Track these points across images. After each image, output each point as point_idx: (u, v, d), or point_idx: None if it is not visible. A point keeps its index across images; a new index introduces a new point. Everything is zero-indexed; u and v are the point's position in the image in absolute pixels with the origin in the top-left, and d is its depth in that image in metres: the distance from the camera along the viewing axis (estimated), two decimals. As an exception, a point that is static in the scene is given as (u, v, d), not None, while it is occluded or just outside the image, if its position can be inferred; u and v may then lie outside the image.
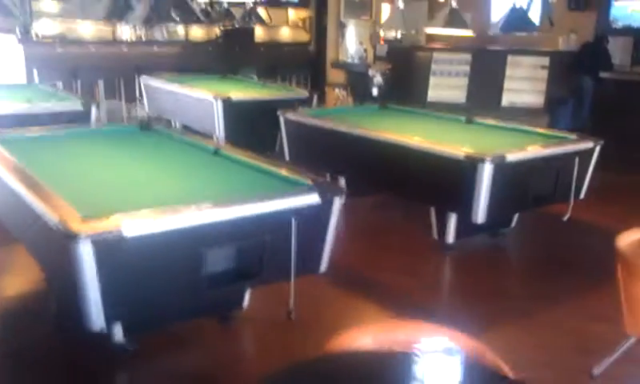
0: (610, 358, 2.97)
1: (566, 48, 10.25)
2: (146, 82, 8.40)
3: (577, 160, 4.52)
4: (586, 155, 4.65)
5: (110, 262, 2.48)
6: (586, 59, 9.68)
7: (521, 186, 4.32)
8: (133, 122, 6.69)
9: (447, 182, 4.34)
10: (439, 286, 4.43)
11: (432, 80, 11.03)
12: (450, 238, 4.57)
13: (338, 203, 3.14)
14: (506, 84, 10.49)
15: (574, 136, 4.79)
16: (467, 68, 10.77)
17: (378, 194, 5.50)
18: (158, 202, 2.82)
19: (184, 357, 3.27)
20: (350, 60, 9.32)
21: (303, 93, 7.47)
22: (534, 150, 4.28)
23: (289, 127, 5.67)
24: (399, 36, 12.09)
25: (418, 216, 4.91)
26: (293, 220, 2.96)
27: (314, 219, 3.11)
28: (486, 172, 4.00)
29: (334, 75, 9.77)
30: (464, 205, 4.20)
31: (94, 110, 5.70)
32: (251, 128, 6.69)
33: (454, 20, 6.92)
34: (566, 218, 4.69)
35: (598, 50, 9.66)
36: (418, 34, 10.46)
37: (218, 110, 6.72)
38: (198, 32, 11.54)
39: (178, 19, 11.38)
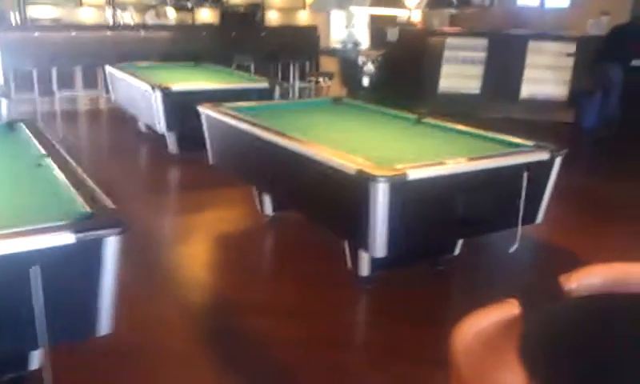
0: None
1: (595, 32, 8.91)
2: (109, 70, 7.73)
3: (525, 176, 3.49)
4: (539, 169, 3.61)
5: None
6: (616, 45, 8.34)
7: (439, 210, 3.33)
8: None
9: (339, 202, 3.42)
10: (333, 337, 3.41)
11: (444, 68, 9.92)
12: (364, 269, 3.61)
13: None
14: (526, 73, 9.28)
15: (528, 145, 3.73)
16: (483, 55, 9.60)
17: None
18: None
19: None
20: (340, 46, 8.38)
21: (262, 83, 6.60)
22: (454, 165, 3.26)
23: (210, 125, 4.83)
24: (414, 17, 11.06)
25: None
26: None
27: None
28: (381, 193, 3.04)
29: (327, 63, 8.85)
30: (359, 233, 3.26)
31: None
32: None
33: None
34: (512, 250, 3.66)
35: (630, 35, 8.30)
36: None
37: (157, 100, 5.97)
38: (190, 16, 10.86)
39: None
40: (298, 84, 10.24)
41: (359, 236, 3.27)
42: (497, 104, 9.56)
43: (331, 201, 3.48)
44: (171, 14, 10.59)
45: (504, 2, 10.50)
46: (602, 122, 8.54)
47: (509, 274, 3.93)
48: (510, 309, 1.78)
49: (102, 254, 2.32)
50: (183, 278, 3.89)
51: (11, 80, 8.79)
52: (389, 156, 3.60)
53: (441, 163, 3.24)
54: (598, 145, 8.23)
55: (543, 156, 3.56)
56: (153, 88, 5.96)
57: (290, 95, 10.58)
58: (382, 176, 3.03)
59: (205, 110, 4.79)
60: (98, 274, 2.35)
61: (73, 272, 2.31)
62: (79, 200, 2.52)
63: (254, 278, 3.86)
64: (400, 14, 7.01)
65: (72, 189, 2.69)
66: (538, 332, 1.67)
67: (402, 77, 9.88)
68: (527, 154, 3.55)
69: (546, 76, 9.15)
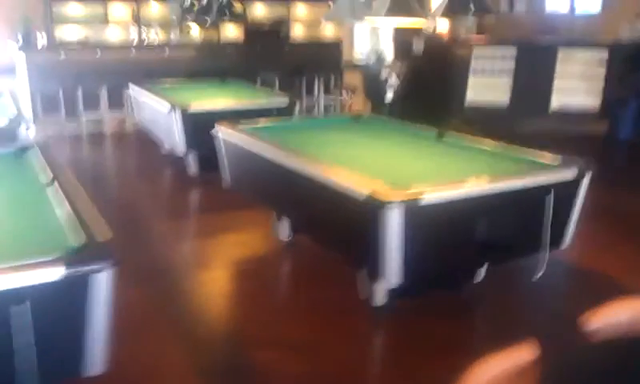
0: None
1: (630, 37, 8.58)
2: (132, 90, 7.72)
3: (551, 197, 3.27)
4: (566, 189, 3.39)
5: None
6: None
7: (457, 235, 3.14)
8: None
9: (349, 228, 3.25)
10: (343, 372, 3.21)
11: (471, 80, 9.68)
12: (379, 298, 3.43)
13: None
14: (557, 83, 8.97)
15: (553, 163, 3.52)
16: (512, 64, 9.33)
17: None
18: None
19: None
20: (364, 59, 8.22)
21: (282, 99, 6.49)
22: (472, 187, 3.07)
23: (227, 146, 4.72)
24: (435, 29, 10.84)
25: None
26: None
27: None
28: (393, 219, 2.88)
29: (350, 78, 8.70)
30: (371, 261, 3.10)
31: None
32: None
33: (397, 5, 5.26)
34: (536, 278, 3.44)
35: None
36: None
37: (177, 120, 5.91)
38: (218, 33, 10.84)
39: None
40: (322, 99, 10.15)
41: (371, 264, 3.11)
42: (526, 116, 9.28)
43: (342, 226, 3.33)
44: (195, 31, 10.59)
45: (533, 9, 10.22)
46: (637, 133, 8.20)
47: (533, 304, 3.71)
48: (527, 353, 1.60)
49: (90, 290, 2.20)
50: (192, 307, 3.77)
51: (38, 102, 8.90)
52: (405, 176, 3.44)
53: (458, 185, 3.06)
54: (634, 156, 7.89)
55: (570, 175, 3.35)
56: (172, 107, 5.90)
57: (316, 110, 10.51)
58: (393, 201, 2.86)
59: (220, 130, 4.69)
60: (86, 311, 2.23)
61: (60, 309, 2.21)
62: (72, 231, 2.42)
63: (265, 308, 3.70)
64: (418, 23, 6.81)
65: (68, 219, 2.59)
66: (557, 379, 1.51)
67: (428, 90, 9.67)
68: (552, 173, 3.34)
69: (577, 85, 8.84)
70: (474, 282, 3.74)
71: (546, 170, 3.35)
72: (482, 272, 3.73)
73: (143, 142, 7.86)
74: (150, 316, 3.52)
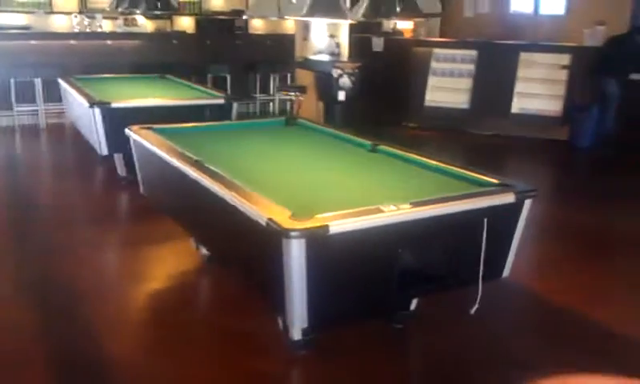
0: None
1: (592, 43, 8.25)
2: (62, 83, 7.12)
3: (485, 223, 2.84)
4: (504, 214, 2.96)
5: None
6: (614, 57, 7.70)
7: (376, 268, 2.69)
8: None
9: (252, 257, 2.78)
10: None
11: (431, 81, 9.29)
12: (296, 333, 2.96)
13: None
14: (518, 86, 8.63)
15: (492, 183, 3.08)
16: (472, 67, 8.96)
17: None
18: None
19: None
20: (316, 57, 7.74)
21: (218, 99, 5.97)
22: (391, 214, 2.61)
23: (138, 149, 4.21)
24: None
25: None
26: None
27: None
28: (294, 250, 2.41)
29: (302, 76, 8.21)
30: (275, 298, 2.63)
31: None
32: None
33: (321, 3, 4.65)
34: (473, 311, 3.01)
35: (628, 46, 7.66)
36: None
37: (96, 118, 5.36)
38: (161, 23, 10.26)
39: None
40: (277, 97, 9.66)
41: (275, 301, 2.64)
42: (486, 119, 8.93)
43: (245, 254, 2.85)
44: (142, 22, 9.99)
45: (497, 9, 9.86)
46: (598, 141, 7.89)
47: (470, 337, 3.28)
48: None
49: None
50: (85, 328, 3.25)
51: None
52: (323, 196, 3.00)
53: (375, 212, 2.59)
54: (594, 165, 7.58)
55: (508, 199, 2.91)
56: (91, 104, 5.35)
57: (260, 110, 9.98)
58: (295, 230, 2.39)
59: (131, 133, 4.17)
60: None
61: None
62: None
63: (169, 340, 3.20)
64: (338, 21, 6.38)
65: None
66: None
67: (385, 90, 9.27)
68: (488, 196, 2.89)
69: (538, 89, 8.49)
70: (408, 310, 3.31)
71: (480, 195, 2.90)
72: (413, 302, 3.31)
73: (79, 137, 7.28)
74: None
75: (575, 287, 3.89)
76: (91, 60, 8.86)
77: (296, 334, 2.93)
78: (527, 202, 2.98)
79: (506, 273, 3.12)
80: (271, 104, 10.33)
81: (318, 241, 2.43)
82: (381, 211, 2.59)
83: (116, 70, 8.41)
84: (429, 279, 2.94)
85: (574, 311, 3.56)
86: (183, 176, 3.27)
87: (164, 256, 4.35)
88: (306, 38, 7.95)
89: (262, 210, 2.56)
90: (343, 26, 8.05)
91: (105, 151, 5.47)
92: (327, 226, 2.42)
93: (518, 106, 8.64)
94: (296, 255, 2.42)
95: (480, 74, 8.87)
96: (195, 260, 4.08)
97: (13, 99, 8.32)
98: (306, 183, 3.27)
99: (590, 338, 3.29)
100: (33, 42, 8.68)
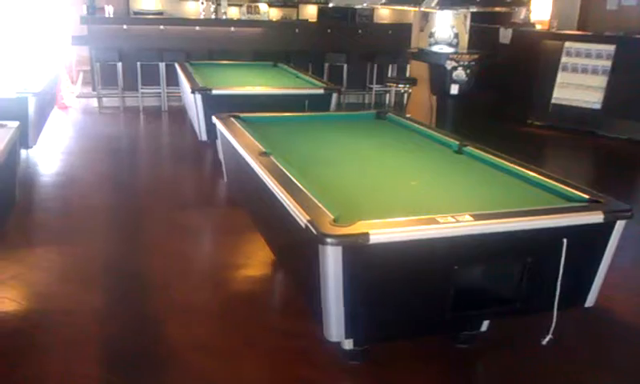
0: None
1: None
2: (177, 68, 7.34)
3: (564, 244, 2.47)
4: (589, 236, 2.56)
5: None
6: None
7: (427, 285, 2.43)
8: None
9: (297, 260, 2.62)
10: None
11: (560, 76, 8.56)
12: (347, 341, 2.78)
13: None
14: (661, 87, 7.69)
15: (580, 198, 2.68)
16: (608, 63, 8.12)
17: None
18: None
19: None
20: (431, 48, 7.36)
21: (317, 88, 5.85)
22: (448, 225, 2.33)
23: (221, 137, 4.19)
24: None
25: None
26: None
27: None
28: (330, 260, 2.22)
29: (416, 67, 7.88)
30: (315, 308, 2.46)
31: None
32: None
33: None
34: (545, 341, 2.65)
35: None
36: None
37: (197, 103, 5.46)
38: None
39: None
40: (393, 89, 9.40)
41: (315, 310, 2.47)
42: (620, 122, 8.09)
43: (292, 256, 2.71)
44: (264, 9, 10.13)
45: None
46: None
47: (544, 365, 2.91)
48: None
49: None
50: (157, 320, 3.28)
51: (98, 73, 8.84)
52: (384, 200, 2.78)
53: (428, 221, 2.33)
54: None
55: (594, 218, 2.52)
56: (193, 90, 5.45)
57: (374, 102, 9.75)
58: (331, 236, 2.20)
59: (216, 121, 4.17)
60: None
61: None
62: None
63: (228, 337, 3.12)
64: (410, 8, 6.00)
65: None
66: None
67: (508, 85, 8.70)
68: (568, 214, 2.51)
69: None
70: (478, 330, 3.00)
71: (559, 211, 2.53)
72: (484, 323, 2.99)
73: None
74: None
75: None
76: (214, 46, 9.13)
77: (347, 344, 2.76)
78: (620, 223, 2.56)
79: (590, 302, 2.72)
80: (387, 95, 10.10)
81: (356, 250, 2.22)
82: (436, 222, 2.33)
83: (236, 56, 8.61)
84: (495, 301, 2.62)
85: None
86: (247, 166, 3.18)
87: (242, 248, 4.30)
88: (422, 29, 7.60)
89: (306, 210, 2.40)
90: (463, 16, 7.60)
91: (204, 137, 5.56)
92: (367, 235, 2.20)
93: (659, 108, 7.73)
94: (332, 263, 2.23)
95: (617, 71, 8.03)
96: (269, 255, 4.00)
97: (139, 81, 8.78)
98: (371, 183, 3.06)
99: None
100: (161, 27, 9.06)
